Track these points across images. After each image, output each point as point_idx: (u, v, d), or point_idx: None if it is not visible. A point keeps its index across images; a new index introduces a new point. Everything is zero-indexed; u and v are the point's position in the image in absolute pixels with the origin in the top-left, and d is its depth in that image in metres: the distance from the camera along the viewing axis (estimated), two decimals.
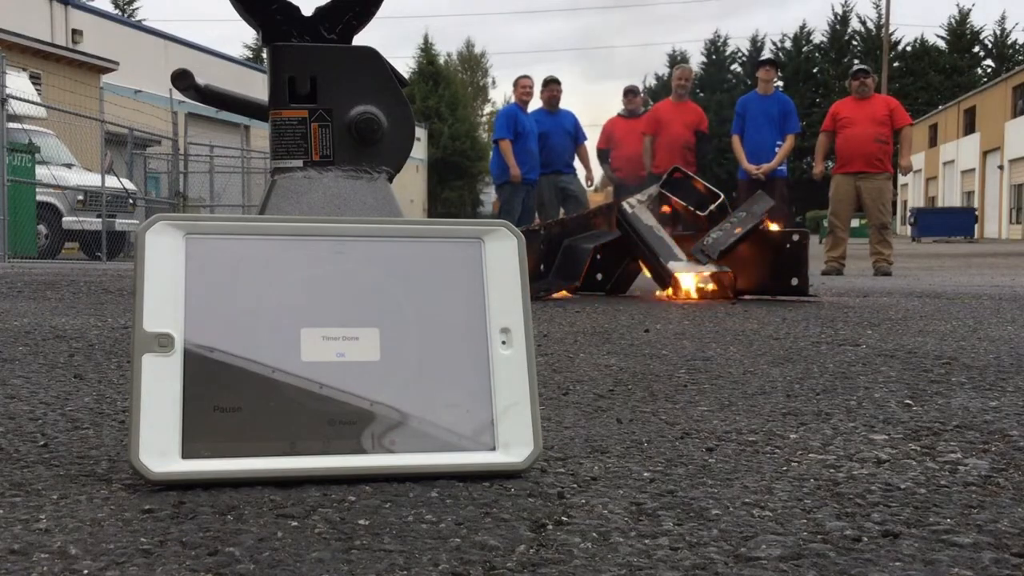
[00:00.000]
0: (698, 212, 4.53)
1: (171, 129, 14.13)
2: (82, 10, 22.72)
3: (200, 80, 2.58)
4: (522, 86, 8.15)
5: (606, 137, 8.42)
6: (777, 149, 7.70)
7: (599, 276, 4.60)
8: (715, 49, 51.56)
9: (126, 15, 40.06)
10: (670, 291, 4.38)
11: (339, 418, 0.96)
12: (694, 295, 4.19)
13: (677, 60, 51.06)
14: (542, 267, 4.33)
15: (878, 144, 7.56)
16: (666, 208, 4.65)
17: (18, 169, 10.32)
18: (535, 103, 8.28)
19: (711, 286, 4.19)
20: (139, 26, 27.52)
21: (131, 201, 12.74)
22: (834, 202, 7.72)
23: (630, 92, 8.55)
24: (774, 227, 4.45)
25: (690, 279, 4.21)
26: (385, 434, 0.97)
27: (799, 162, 41.85)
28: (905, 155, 7.91)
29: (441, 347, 1.02)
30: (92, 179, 11.92)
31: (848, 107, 7.71)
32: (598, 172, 8.82)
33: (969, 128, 40.04)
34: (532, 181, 8.11)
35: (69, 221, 11.46)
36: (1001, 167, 35.63)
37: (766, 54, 47.27)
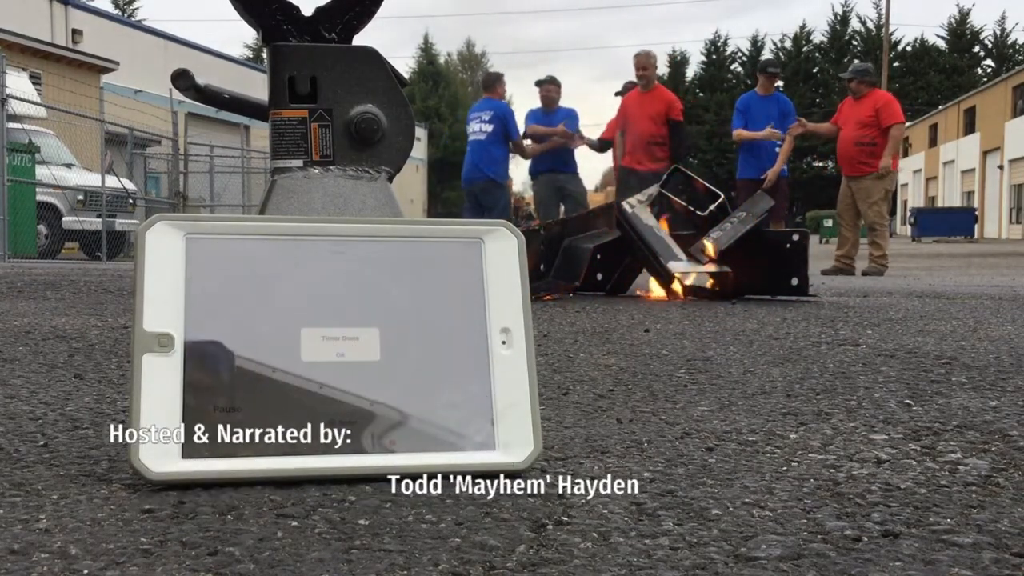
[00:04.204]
0: (698, 212, 4.52)
1: (171, 129, 14.13)
2: (82, 10, 22.72)
3: (200, 80, 2.58)
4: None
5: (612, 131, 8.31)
6: (777, 150, 7.73)
7: (599, 276, 4.59)
8: (715, 49, 51.49)
9: (126, 15, 40.05)
10: (653, 290, 4.39)
11: (339, 418, 0.96)
12: (694, 294, 4.19)
13: (677, 60, 51.01)
14: (542, 267, 4.33)
15: (858, 147, 7.55)
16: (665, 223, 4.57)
17: (18, 169, 10.33)
18: (534, 102, 8.29)
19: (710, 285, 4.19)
20: (139, 26, 27.53)
21: (131, 201, 12.75)
22: (838, 203, 7.95)
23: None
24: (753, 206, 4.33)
25: (690, 279, 4.21)
26: (385, 434, 0.97)
27: (799, 162, 41.81)
28: (884, 155, 7.48)
29: (441, 347, 1.02)
30: (92, 179, 11.92)
31: (845, 107, 7.84)
32: (587, 167, 8.75)
33: (969, 128, 40.02)
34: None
35: (69, 221, 11.47)
36: (1001, 167, 35.62)
37: (766, 54, 47.31)
